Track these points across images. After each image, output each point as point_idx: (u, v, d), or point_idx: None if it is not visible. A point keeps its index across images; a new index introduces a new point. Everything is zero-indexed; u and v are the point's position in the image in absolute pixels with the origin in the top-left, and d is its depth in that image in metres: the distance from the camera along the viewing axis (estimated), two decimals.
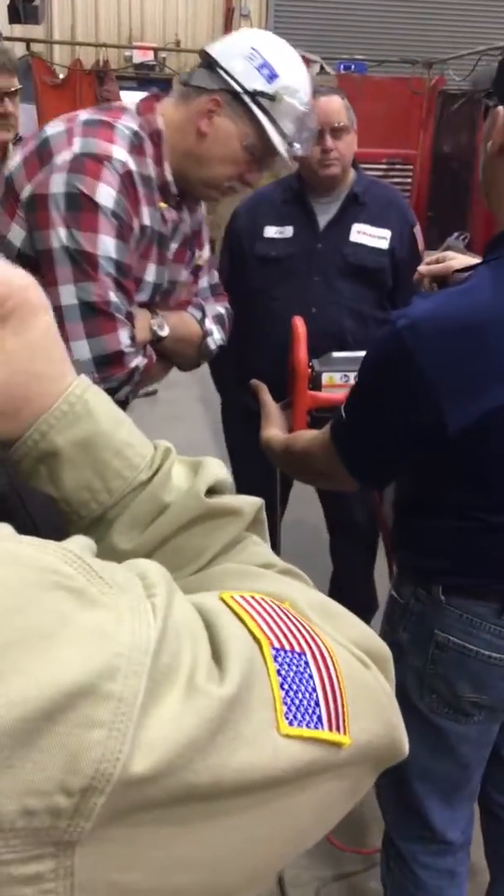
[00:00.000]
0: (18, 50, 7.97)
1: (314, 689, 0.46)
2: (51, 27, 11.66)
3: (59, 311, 1.47)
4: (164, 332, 1.68)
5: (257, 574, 0.56)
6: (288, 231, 2.48)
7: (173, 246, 1.69)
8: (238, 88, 1.58)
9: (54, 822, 0.36)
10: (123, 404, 1.60)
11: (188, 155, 1.61)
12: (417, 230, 2.59)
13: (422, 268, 1.56)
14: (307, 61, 7.56)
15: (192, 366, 1.86)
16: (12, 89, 2.52)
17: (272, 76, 1.60)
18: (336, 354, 1.70)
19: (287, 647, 0.46)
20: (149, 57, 10.96)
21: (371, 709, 0.50)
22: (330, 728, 0.46)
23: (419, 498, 1.39)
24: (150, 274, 1.65)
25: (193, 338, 1.78)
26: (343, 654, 0.50)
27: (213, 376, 2.80)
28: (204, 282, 1.87)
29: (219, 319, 1.85)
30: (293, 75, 1.63)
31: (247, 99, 1.58)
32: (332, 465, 1.39)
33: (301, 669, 0.46)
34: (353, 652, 0.51)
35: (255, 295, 2.52)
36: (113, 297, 1.50)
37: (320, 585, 2.58)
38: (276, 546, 2.13)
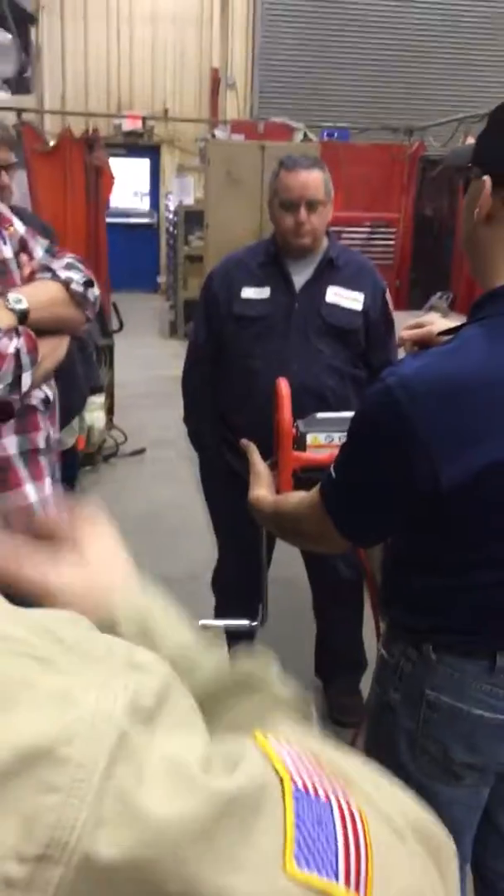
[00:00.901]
0: (9, 119, 8.18)
1: (335, 840, 0.42)
2: (41, 97, 11.98)
3: None
4: (25, 305, 1.62)
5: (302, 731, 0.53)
6: (265, 292, 2.54)
7: None
8: None
9: (8, 893, 0.34)
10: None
11: None
12: (388, 295, 2.67)
13: (404, 333, 1.57)
14: (291, 129, 7.78)
15: (82, 324, 1.78)
16: (9, 163, 2.59)
17: None
18: (320, 415, 1.71)
19: (312, 793, 0.43)
20: (137, 125, 11.24)
21: (401, 884, 0.45)
22: (347, 885, 0.41)
23: (409, 556, 1.37)
24: None
25: (57, 294, 1.71)
26: (376, 821, 0.46)
27: (190, 436, 2.81)
28: (38, 251, 1.80)
29: (70, 266, 1.77)
30: None
31: None
32: (322, 527, 1.36)
33: (324, 818, 0.43)
34: (391, 822, 0.47)
35: (234, 356, 2.57)
36: None
37: (307, 644, 2.55)
38: (262, 605, 2.11)
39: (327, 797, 0.44)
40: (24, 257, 1.73)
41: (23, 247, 1.76)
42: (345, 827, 0.43)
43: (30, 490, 1.70)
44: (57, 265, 1.76)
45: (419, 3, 12.25)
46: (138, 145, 12.57)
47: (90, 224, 7.04)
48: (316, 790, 0.44)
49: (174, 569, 3.97)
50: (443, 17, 12.32)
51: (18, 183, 6.94)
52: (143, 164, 13.16)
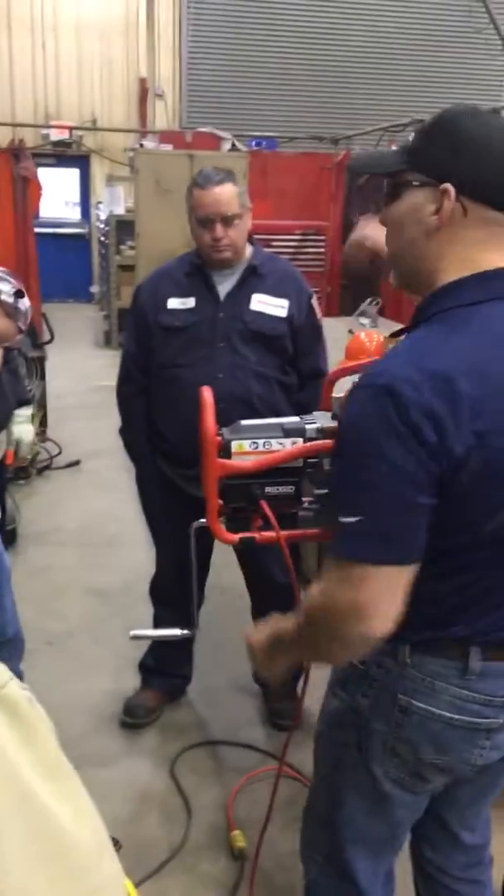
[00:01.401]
0: None
1: None
2: None
3: None
4: None
5: None
6: (190, 302, 2.56)
7: None
8: None
9: None
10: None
11: None
12: (315, 302, 2.70)
13: None
14: (219, 138, 7.84)
15: (14, 335, 1.77)
16: None
17: None
18: (245, 422, 1.71)
19: None
20: (65, 135, 11.15)
21: None
22: None
23: None
24: None
25: None
26: None
27: (126, 447, 2.81)
28: None
29: None
30: None
31: None
32: (355, 590, 1.21)
33: None
34: None
35: (162, 367, 2.58)
36: None
37: (244, 651, 2.54)
38: (193, 612, 2.11)
39: None
40: None
41: None
42: None
43: None
44: None
45: (345, 15, 12.45)
46: (67, 155, 12.48)
47: (18, 234, 6.96)
48: None
49: (111, 580, 3.95)
50: (367, 28, 12.54)
51: None
52: (73, 174, 13.06)
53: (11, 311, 1.75)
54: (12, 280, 1.80)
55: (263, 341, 2.55)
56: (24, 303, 1.79)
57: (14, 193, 7.06)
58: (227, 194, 2.47)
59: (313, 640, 1.37)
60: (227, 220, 2.47)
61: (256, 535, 1.65)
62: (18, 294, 1.76)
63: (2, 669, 0.43)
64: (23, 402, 4.36)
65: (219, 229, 2.46)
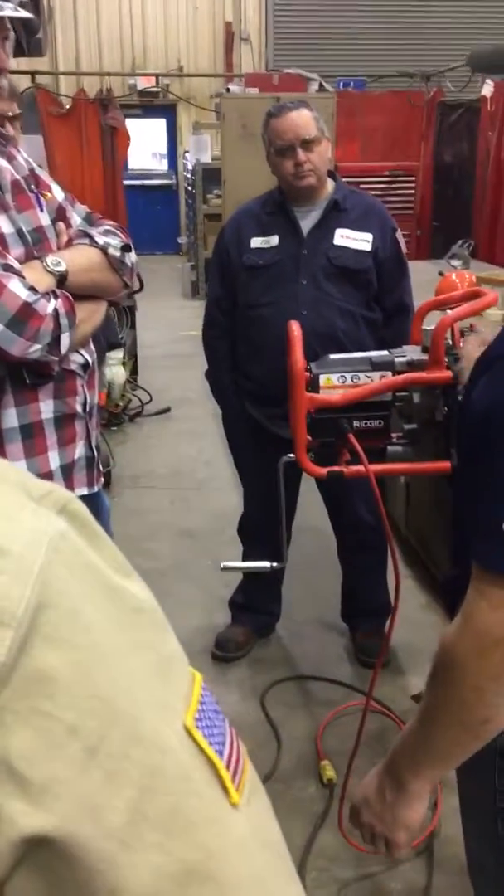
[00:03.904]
0: (24, 82, 8.15)
1: (225, 735, 0.47)
2: (55, 59, 11.88)
3: None
4: (63, 267, 1.64)
5: None
6: (273, 240, 2.56)
7: (7, 196, 1.64)
8: None
9: None
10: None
11: None
12: (399, 235, 2.66)
13: (471, 351, 1.43)
14: (306, 80, 7.69)
15: (119, 289, 1.79)
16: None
17: None
18: (332, 356, 1.72)
19: (213, 700, 0.49)
20: (152, 83, 11.10)
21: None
22: (227, 769, 0.46)
23: None
24: (3, 225, 1.61)
25: (95, 259, 1.72)
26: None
27: (212, 390, 2.86)
28: (76, 219, 1.81)
29: (108, 233, 1.79)
30: None
31: None
32: None
33: (220, 717, 0.48)
34: None
35: (246, 307, 2.60)
36: None
37: (332, 590, 2.60)
38: (283, 547, 2.15)
39: (223, 716, 0.49)
40: (61, 225, 1.75)
41: (60, 215, 1.77)
42: (232, 736, 0.48)
43: (53, 457, 1.72)
44: (95, 231, 1.78)
45: None
46: (154, 105, 12.45)
47: (107, 185, 7.04)
48: (216, 704, 0.49)
49: (201, 522, 4.05)
50: None
51: (36, 146, 6.95)
52: (160, 125, 13.03)
53: (118, 266, 1.78)
54: (120, 235, 1.84)
55: (348, 276, 2.53)
56: (131, 257, 1.82)
57: (102, 144, 7.14)
58: (303, 118, 2.47)
59: (457, 707, 1.00)
60: (307, 144, 2.46)
61: (344, 468, 1.66)
62: (125, 248, 1.79)
63: (62, 489, 0.47)
64: (114, 346, 4.48)
65: (300, 154, 2.45)
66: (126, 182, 7.96)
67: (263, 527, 2.69)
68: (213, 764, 0.45)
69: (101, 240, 1.76)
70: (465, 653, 0.97)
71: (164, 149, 13.26)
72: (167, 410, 5.67)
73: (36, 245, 1.67)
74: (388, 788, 1.10)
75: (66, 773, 0.40)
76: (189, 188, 10.44)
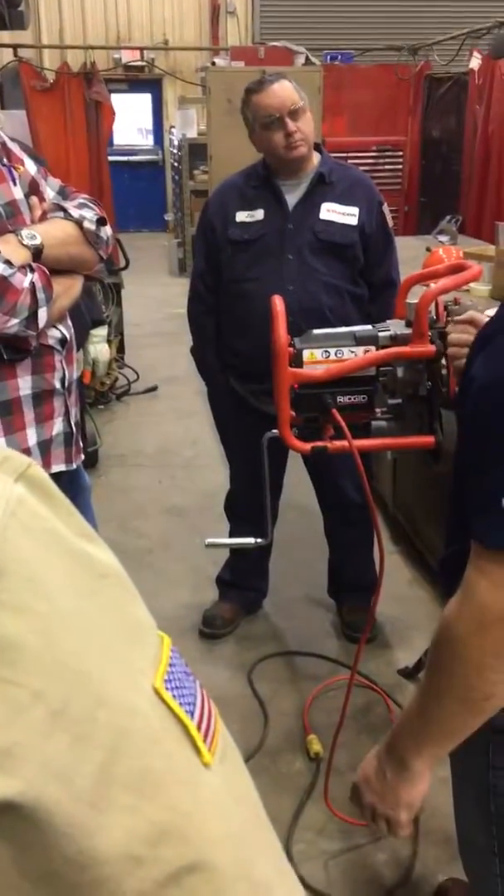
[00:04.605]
0: (6, 56, 8.01)
1: (196, 697, 0.47)
2: (38, 32, 11.68)
3: None
4: (38, 241, 1.63)
5: None
6: (258, 214, 2.54)
7: None
8: None
9: None
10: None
11: None
12: (385, 208, 2.63)
13: (458, 337, 1.43)
14: (293, 53, 7.57)
15: (95, 263, 1.78)
16: None
17: None
18: (316, 331, 1.71)
19: (183, 664, 0.49)
20: (136, 57, 10.95)
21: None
22: (199, 729, 0.46)
23: None
24: None
25: (70, 232, 1.72)
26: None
27: (198, 366, 2.84)
28: (49, 192, 1.81)
29: (82, 206, 1.78)
30: None
31: None
32: None
33: (190, 680, 0.48)
34: None
35: (231, 282, 2.58)
36: None
37: (319, 567, 2.60)
38: (268, 530, 2.15)
39: (194, 678, 0.49)
40: (34, 199, 1.73)
41: (34, 189, 1.75)
42: (203, 696, 0.48)
43: (31, 434, 1.71)
44: (69, 204, 1.76)
45: None
46: (139, 79, 12.29)
47: (92, 161, 6.96)
48: (186, 667, 0.49)
49: (188, 500, 4.04)
50: None
51: (19, 122, 6.84)
52: (145, 100, 12.87)
53: (94, 239, 1.76)
54: (95, 208, 1.81)
55: (334, 251, 2.51)
56: (106, 231, 1.79)
57: (87, 119, 7.04)
58: (286, 89, 2.44)
59: (459, 683, 0.99)
60: (295, 114, 2.43)
61: (328, 444, 1.65)
62: (101, 222, 1.77)
63: (19, 455, 0.46)
64: (98, 323, 4.44)
65: (289, 124, 2.42)
66: (111, 158, 7.86)
67: (249, 503, 2.69)
68: (183, 725, 0.45)
69: (75, 213, 1.74)
70: (465, 630, 0.97)
71: (149, 124, 13.11)
72: (154, 389, 5.65)
73: (10, 219, 1.65)
74: (389, 768, 1.11)
75: (30, 738, 0.39)
76: (175, 164, 10.34)
